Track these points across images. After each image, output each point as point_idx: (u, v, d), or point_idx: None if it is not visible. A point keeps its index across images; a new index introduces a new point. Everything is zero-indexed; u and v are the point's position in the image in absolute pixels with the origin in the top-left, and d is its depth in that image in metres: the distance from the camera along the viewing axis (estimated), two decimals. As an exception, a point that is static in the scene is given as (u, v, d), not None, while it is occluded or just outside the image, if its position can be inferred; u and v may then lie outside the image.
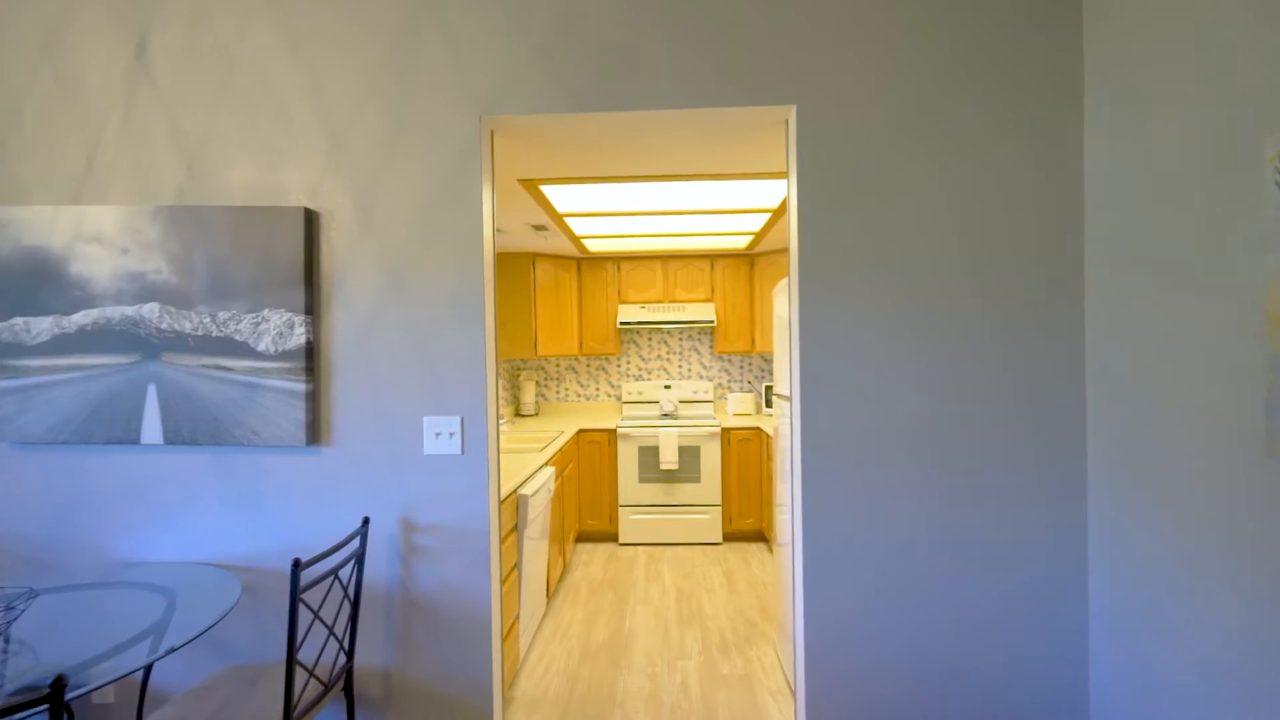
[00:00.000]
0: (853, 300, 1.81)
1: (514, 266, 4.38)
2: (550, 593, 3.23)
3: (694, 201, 3.03)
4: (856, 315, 1.81)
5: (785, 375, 2.41)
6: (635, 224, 3.54)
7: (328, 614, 1.84)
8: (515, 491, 2.56)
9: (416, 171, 1.85)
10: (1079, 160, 1.77)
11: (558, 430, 4.13)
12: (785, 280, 2.47)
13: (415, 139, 1.84)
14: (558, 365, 5.00)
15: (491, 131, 1.93)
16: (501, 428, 4.15)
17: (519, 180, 2.55)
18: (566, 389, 5.01)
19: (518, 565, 2.55)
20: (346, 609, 1.85)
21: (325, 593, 1.60)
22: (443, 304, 1.85)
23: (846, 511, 1.82)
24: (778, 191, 2.90)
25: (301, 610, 1.73)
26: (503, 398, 4.66)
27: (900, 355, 1.81)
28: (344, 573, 1.87)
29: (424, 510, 1.87)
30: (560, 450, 3.69)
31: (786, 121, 1.91)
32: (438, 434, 1.86)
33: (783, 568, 2.43)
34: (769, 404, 4.66)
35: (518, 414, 4.89)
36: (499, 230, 3.61)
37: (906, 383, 1.81)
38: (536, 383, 5.00)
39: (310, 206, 1.85)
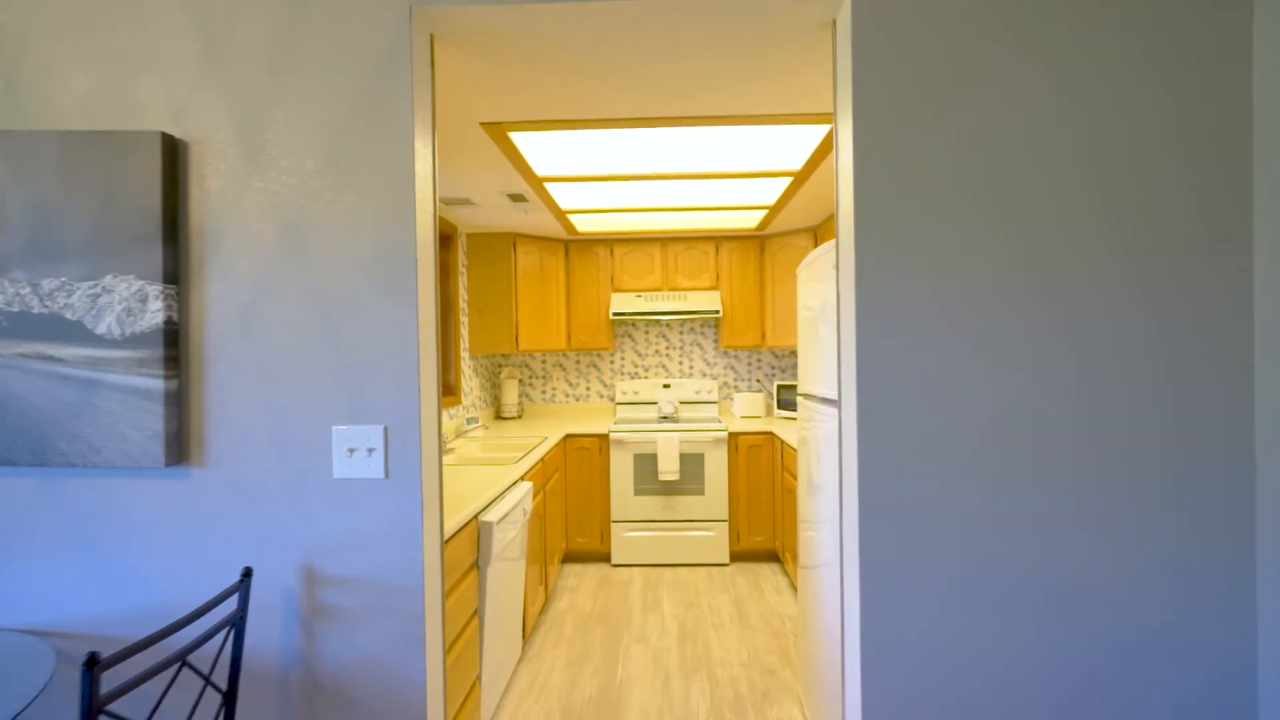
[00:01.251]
0: (933, 268, 1.29)
1: (492, 248, 3.85)
2: (528, 631, 2.71)
3: (699, 162, 2.51)
4: (937, 289, 1.29)
5: (820, 372, 1.89)
6: (630, 196, 3.02)
7: (183, 705, 1.32)
8: (477, 517, 2.04)
9: (324, 85, 1.33)
10: (1247, 76, 1.26)
11: (541, 436, 3.60)
12: (815, 254, 1.95)
13: (321, 40, 1.32)
14: (543, 362, 4.47)
15: (431, 34, 1.41)
16: (477, 432, 3.62)
17: (482, 125, 2.03)
18: (553, 388, 4.48)
19: (478, 611, 2.02)
20: (215, 697, 1.33)
21: (171, 679, 1.09)
22: (359, 271, 1.33)
23: (920, 542, 1.31)
24: (799, 150, 2.38)
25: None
26: (481, 398, 4.13)
27: (998, 341, 1.29)
28: (211, 645, 1.35)
29: (334, 556, 1.35)
30: (543, 459, 3.17)
31: (834, 22, 1.40)
32: (352, 450, 1.34)
33: (814, 598, 1.92)
34: (781, 405, 4.14)
35: (498, 416, 4.36)
36: (469, 201, 3.08)
37: (1006, 379, 1.30)
38: (520, 381, 4.47)
39: (173, 133, 1.33)
